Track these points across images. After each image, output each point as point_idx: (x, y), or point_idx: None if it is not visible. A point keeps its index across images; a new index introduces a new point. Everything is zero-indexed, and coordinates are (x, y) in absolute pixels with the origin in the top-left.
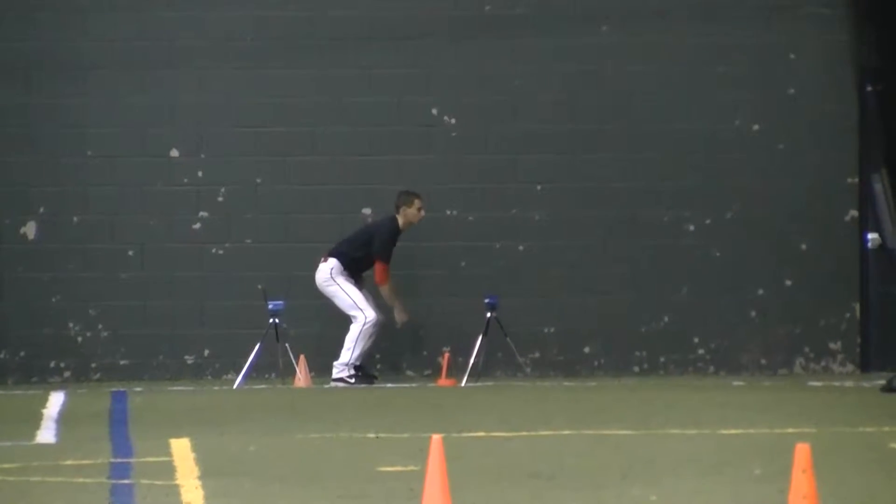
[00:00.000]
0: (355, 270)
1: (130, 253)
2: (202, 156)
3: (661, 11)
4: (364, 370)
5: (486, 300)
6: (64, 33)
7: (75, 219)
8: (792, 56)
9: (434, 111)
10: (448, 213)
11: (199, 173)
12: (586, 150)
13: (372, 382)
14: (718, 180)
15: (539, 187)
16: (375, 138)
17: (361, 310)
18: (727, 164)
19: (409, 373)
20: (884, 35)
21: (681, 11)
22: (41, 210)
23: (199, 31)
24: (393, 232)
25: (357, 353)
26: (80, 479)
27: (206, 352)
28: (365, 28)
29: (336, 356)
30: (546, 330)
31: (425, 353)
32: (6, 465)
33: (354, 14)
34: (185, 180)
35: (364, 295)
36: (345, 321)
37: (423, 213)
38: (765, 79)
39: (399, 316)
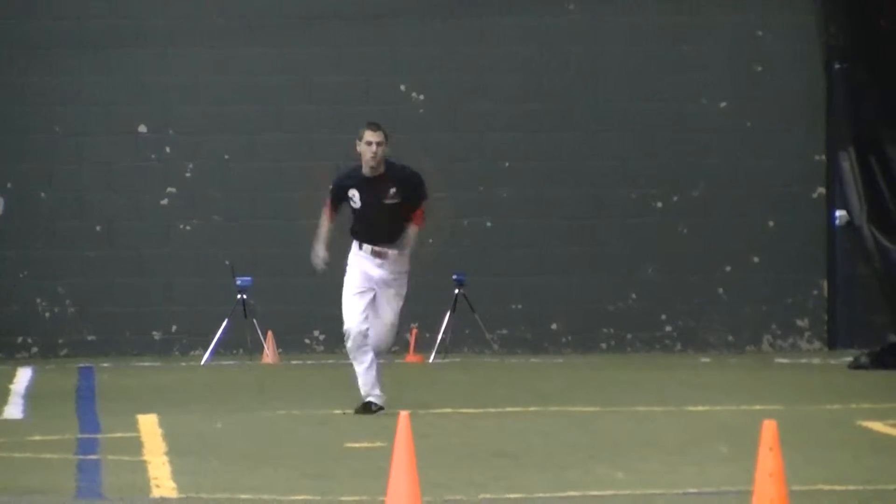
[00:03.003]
0: (363, 238)
1: (98, 229)
2: (169, 132)
3: None
4: (369, 405)
5: (454, 277)
6: (31, 13)
7: (42, 195)
8: (759, 34)
9: (402, 88)
10: None
11: (167, 149)
12: (554, 128)
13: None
14: (686, 158)
15: (507, 164)
16: (343, 116)
17: (345, 319)
18: (694, 142)
19: None
20: (850, 13)
21: None
22: (8, 186)
23: (165, 10)
24: (345, 172)
25: (359, 381)
26: (47, 455)
27: (174, 328)
28: (332, 7)
29: (304, 332)
30: (514, 307)
31: None
32: None
33: None
34: (153, 156)
35: (361, 292)
36: (313, 295)
37: (373, 147)
38: (732, 57)
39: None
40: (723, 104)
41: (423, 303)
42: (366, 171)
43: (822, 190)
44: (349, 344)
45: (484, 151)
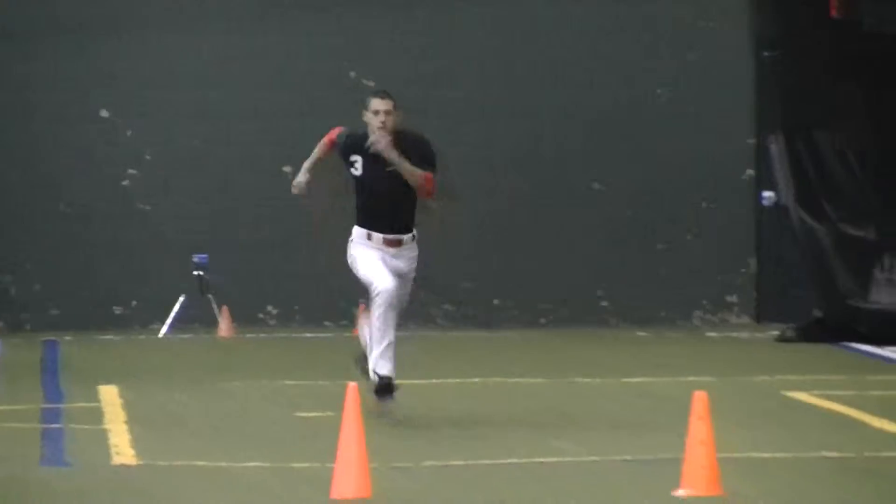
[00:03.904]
0: (372, 225)
1: (62, 209)
2: (132, 115)
3: None
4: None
5: None
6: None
7: (11, 176)
8: (693, 23)
9: (352, 74)
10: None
11: (128, 132)
12: (497, 115)
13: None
14: (623, 142)
15: (451, 149)
16: (305, 103)
17: (372, 280)
18: (632, 127)
19: (326, 323)
20: (778, 3)
21: None
22: None
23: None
24: (356, 134)
25: (370, 350)
26: (13, 424)
27: (134, 303)
28: None
29: (258, 307)
30: (458, 283)
31: (342, 304)
32: None
33: None
34: (116, 139)
35: (379, 259)
36: (267, 272)
37: (381, 116)
38: (667, 45)
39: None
40: (658, 91)
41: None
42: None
43: (751, 172)
44: (381, 302)
45: (433, 137)
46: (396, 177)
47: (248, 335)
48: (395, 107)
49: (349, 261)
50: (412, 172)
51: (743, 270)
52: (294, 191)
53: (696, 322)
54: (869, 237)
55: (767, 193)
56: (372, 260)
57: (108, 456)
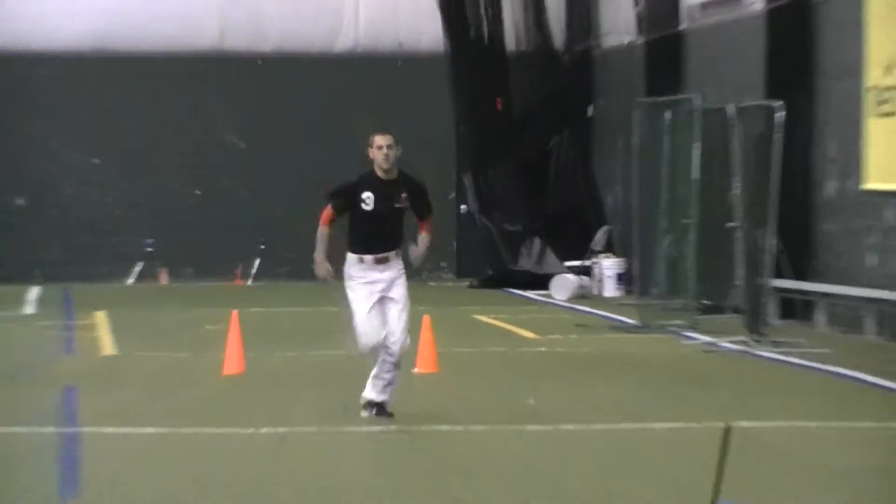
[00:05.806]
0: (365, 249)
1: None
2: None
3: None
4: (380, 407)
5: (258, 239)
6: None
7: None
8: (419, 106)
9: (212, 129)
10: (224, 183)
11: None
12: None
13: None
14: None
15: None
16: (155, 140)
17: (359, 336)
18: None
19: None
20: (465, 93)
21: (352, 63)
22: None
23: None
24: (357, 177)
25: (368, 386)
26: (49, 329)
27: (108, 266)
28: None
29: (182, 267)
30: (288, 255)
31: (227, 265)
32: None
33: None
34: (49, 158)
35: (371, 304)
36: (185, 245)
37: (384, 150)
38: (405, 118)
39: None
40: (400, 152)
41: (243, 253)
42: (380, 174)
43: (453, 194)
44: (370, 357)
45: (265, 162)
46: (400, 210)
47: (176, 284)
48: (395, 141)
49: (348, 295)
50: (426, 244)
51: (449, 248)
52: (323, 279)
53: (424, 277)
54: (518, 231)
55: (463, 206)
56: (364, 311)
57: (99, 349)
